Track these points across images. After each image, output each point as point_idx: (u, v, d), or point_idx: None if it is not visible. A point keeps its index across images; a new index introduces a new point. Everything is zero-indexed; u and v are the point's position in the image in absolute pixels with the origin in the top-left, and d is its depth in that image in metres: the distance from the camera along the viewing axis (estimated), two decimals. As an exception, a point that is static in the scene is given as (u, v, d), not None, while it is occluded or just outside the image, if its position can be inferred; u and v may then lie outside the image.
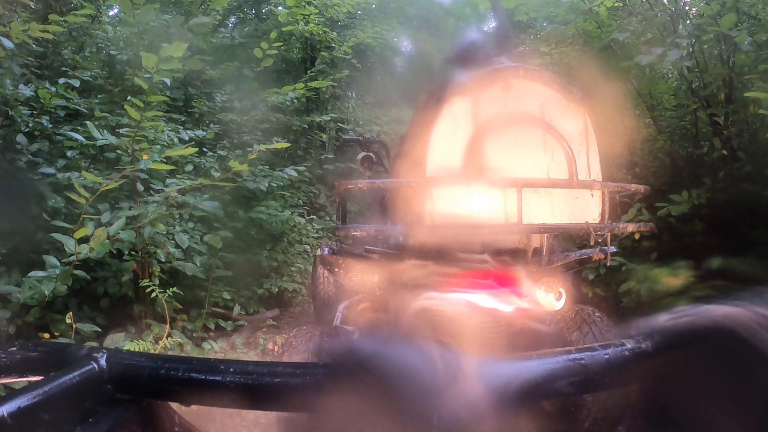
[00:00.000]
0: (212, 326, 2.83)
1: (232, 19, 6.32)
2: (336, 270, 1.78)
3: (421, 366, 0.45)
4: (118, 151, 2.56)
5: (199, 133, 3.19)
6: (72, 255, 1.92)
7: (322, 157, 5.74)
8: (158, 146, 2.62)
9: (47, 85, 2.65)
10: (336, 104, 6.30)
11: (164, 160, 2.19)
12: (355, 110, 6.67)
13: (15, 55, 2.44)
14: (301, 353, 1.52)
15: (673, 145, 3.49)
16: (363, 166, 2.15)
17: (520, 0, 3.84)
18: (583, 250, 1.54)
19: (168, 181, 2.61)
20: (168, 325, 2.29)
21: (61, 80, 2.68)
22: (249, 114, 4.19)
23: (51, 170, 2.41)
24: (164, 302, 2.28)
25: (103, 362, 0.46)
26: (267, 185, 3.47)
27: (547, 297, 1.32)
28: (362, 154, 2.17)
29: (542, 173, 1.20)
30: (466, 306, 1.21)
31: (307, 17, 5.34)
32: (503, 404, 0.46)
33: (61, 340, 1.97)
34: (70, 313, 1.97)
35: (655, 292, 2.26)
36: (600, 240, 1.29)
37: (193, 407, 0.50)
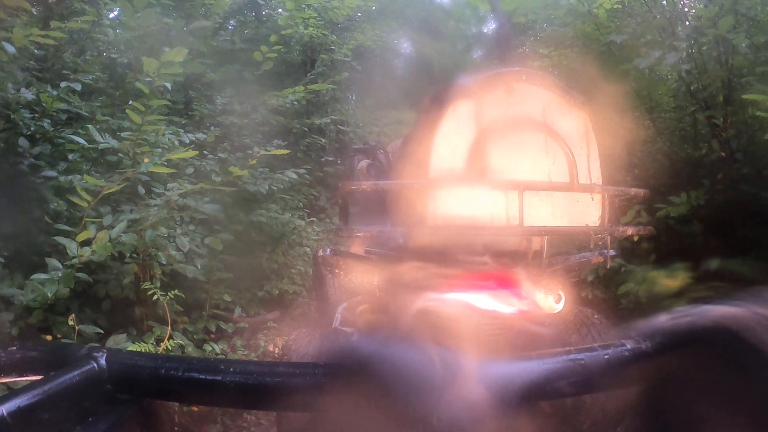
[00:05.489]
0: (213, 328, 2.83)
1: (232, 22, 6.34)
2: (336, 271, 1.78)
3: (420, 367, 0.45)
4: (120, 155, 2.57)
5: (200, 135, 3.19)
6: (74, 258, 1.92)
7: (323, 159, 5.75)
8: (159, 149, 2.63)
9: (48, 88, 2.66)
10: (336, 106, 6.31)
11: (165, 163, 2.20)
12: (355, 112, 6.68)
13: (17, 59, 2.45)
14: (300, 357, 1.52)
15: (672, 146, 3.50)
16: (369, 174, 2.15)
17: (520, 2, 3.86)
18: (583, 253, 1.54)
19: (169, 185, 2.61)
20: (169, 327, 2.30)
21: (63, 84, 2.69)
22: (249, 117, 4.20)
23: (53, 173, 2.41)
24: (165, 304, 2.29)
25: (102, 362, 0.46)
26: (267, 188, 3.48)
27: (547, 299, 1.32)
28: (366, 162, 2.17)
29: (544, 176, 1.21)
30: (466, 307, 1.21)
31: (306, 20, 5.36)
32: (503, 405, 0.46)
33: (64, 342, 1.97)
34: (73, 315, 1.97)
35: (654, 293, 2.26)
36: (600, 243, 1.29)
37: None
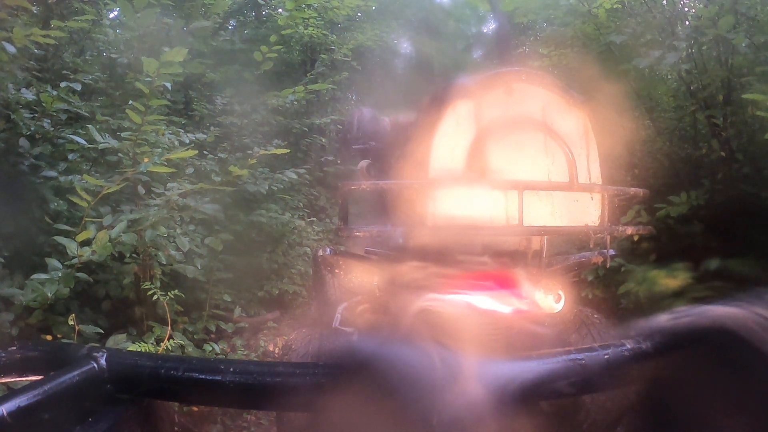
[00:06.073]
0: (213, 328, 2.83)
1: (232, 23, 6.34)
2: (336, 271, 1.78)
3: (420, 367, 0.45)
4: (120, 155, 2.57)
5: (200, 136, 3.19)
6: (74, 258, 1.92)
7: (323, 159, 5.74)
8: (159, 149, 2.63)
9: (48, 88, 2.66)
10: (336, 106, 6.30)
11: (165, 162, 2.20)
12: (356, 112, 6.66)
13: (16, 59, 2.45)
14: (300, 357, 1.52)
15: (672, 146, 3.50)
16: (369, 174, 2.14)
17: (519, 2, 3.86)
18: (583, 253, 1.54)
19: (169, 184, 2.61)
20: (169, 327, 2.30)
21: (63, 84, 2.69)
22: (249, 117, 4.20)
23: (53, 173, 2.41)
24: (165, 304, 2.29)
25: (102, 362, 0.46)
26: (267, 188, 3.48)
27: (547, 299, 1.32)
28: (366, 162, 2.16)
29: (543, 176, 1.21)
30: (466, 307, 1.21)
31: (306, 20, 5.36)
32: (503, 405, 0.46)
33: (64, 342, 1.97)
34: (73, 315, 1.97)
35: (654, 293, 2.26)
36: (600, 242, 1.29)
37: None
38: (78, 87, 2.73)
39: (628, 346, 0.54)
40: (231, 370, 0.47)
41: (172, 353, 2.22)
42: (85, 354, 0.47)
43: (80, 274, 2.02)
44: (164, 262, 2.48)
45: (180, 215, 2.60)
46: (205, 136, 3.28)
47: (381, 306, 1.54)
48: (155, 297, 2.29)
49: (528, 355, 0.52)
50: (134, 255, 2.40)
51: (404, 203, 1.21)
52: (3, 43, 2.07)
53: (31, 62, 2.88)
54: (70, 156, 2.60)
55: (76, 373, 0.44)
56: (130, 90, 2.91)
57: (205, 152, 3.48)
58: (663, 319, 0.55)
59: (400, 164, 1.38)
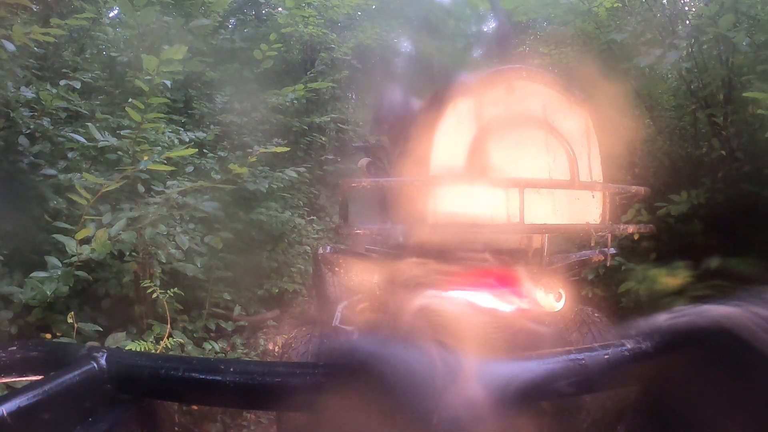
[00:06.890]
0: (213, 327, 2.83)
1: (232, 21, 6.33)
2: (336, 269, 1.78)
3: (420, 366, 0.45)
4: (119, 153, 2.57)
5: (200, 134, 3.19)
6: (73, 256, 1.92)
7: (323, 158, 5.74)
8: (159, 147, 2.62)
9: (48, 86, 2.65)
10: (336, 105, 6.29)
11: (164, 161, 2.20)
12: (355, 111, 6.67)
13: (16, 57, 2.45)
14: (300, 355, 1.52)
15: (673, 145, 3.50)
16: (369, 172, 2.14)
17: (520, 1, 3.86)
18: (583, 252, 1.54)
19: (168, 182, 2.61)
20: (169, 326, 2.30)
21: (62, 82, 2.69)
22: (249, 115, 4.20)
23: (52, 171, 2.41)
24: (165, 303, 2.28)
25: (103, 362, 0.46)
26: (267, 186, 3.48)
27: (547, 297, 1.32)
28: (366, 160, 2.16)
29: (544, 174, 1.20)
30: (467, 306, 1.21)
31: (306, 19, 5.35)
32: (503, 405, 0.46)
33: (63, 340, 1.97)
34: (72, 313, 1.97)
35: (654, 292, 2.26)
36: (600, 241, 1.29)
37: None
38: (78, 85, 2.73)
39: (628, 346, 0.54)
40: (231, 370, 0.47)
41: (171, 352, 2.22)
42: (85, 354, 0.47)
43: (79, 273, 2.02)
44: (164, 261, 2.48)
45: (180, 213, 2.60)
46: (205, 134, 3.27)
47: (381, 304, 1.54)
48: (155, 295, 2.29)
49: (528, 355, 0.52)
50: (134, 253, 2.40)
51: (405, 201, 1.21)
52: (2, 41, 2.07)
53: (31, 60, 2.88)
54: (70, 154, 2.60)
55: (76, 373, 0.44)
56: (130, 88, 2.90)
57: (204, 151, 3.48)
58: (663, 319, 0.55)
59: (401, 162, 1.38)
